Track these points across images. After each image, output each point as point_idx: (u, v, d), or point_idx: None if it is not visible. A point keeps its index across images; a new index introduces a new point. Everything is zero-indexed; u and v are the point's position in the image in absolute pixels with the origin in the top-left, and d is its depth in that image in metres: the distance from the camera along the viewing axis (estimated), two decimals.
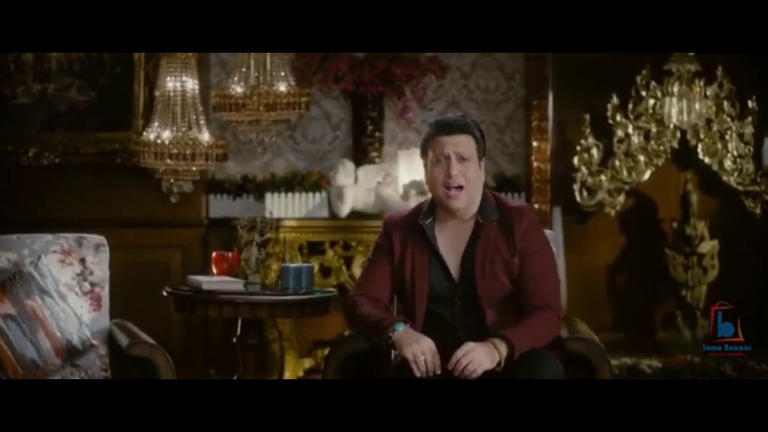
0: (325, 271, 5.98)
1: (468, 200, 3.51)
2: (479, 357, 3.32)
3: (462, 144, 3.49)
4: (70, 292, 4.00)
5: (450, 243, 3.56)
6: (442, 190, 3.49)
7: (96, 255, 4.07)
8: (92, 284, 4.04)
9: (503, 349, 3.36)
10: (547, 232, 3.93)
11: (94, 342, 3.94)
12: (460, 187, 3.48)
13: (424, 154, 3.57)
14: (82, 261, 4.04)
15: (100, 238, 4.10)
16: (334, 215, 6.06)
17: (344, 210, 5.99)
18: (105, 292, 4.06)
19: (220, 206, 6.30)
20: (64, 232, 4.09)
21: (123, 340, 3.81)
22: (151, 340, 3.77)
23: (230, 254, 4.58)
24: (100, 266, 4.06)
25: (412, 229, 3.58)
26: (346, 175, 6.01)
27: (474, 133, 3.54)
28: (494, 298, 3.51)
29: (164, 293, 4.42)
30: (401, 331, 3.41)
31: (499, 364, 3.36)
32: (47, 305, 3.84)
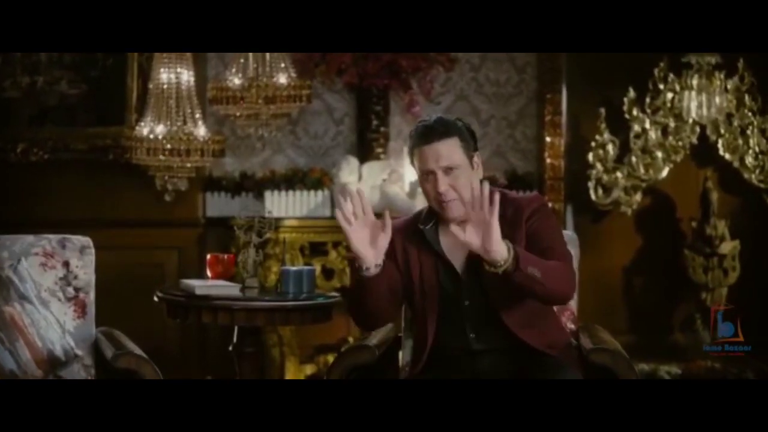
0: (328, 274, 5.89)
1: (464, 208, 3.31)
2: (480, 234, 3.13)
3: (445, 154, 3.30)
4: (53, 297, 3.84)
5: (455, 243, 3.36)
6: (435, 202, 3.35)
7: (81, 258, 3.91)
8: (76, 289, 3.89)
9: (506, 250, 3.14)
10: (566, 233, 3.82)
11: (78, 352, 3.80)
12: (453, 199, 3.32)
13: (412, 165, 3.43)
14: (66, 264, 3.89)
15: (86, 240, 3.95)
16: None
17: None
18: (90, 298, 3.91)
19: (217, 205, 6.21)
20: (52, 233, 3.96)
21: (108, 350, 3.64)
22: (138, 351, 3.59)
23: (226, 256, 4.38)
24: (85, 270, 3.91)
25: (414, 234, 3.44)
26: (350, 172, 5.95)
27: (457, 133, 3.34)
28: (507, 294, 3.31)
29: (155, 299, 4.19)
30: None
31: (495, 264, 3.14)
32: (27, 312, 3.70)
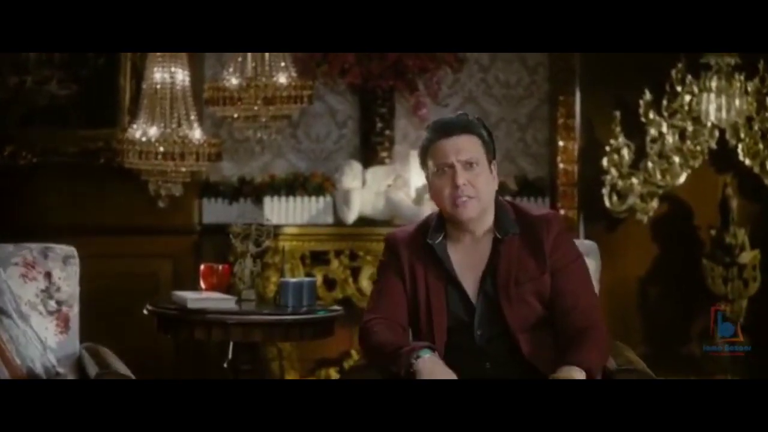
0: (330, 284, 5.79)
1: (480, 210, 3.16)
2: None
3: (466, 148, 3.15)
4: (33, 311, 3.67)
5: (466, 264, 3.20)
6: (449, 201, 3.14)
7: (64, 268, 3.75)
8: (59, 302, 3.73)
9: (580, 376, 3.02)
10: (586, 242, 3.76)
11: (60, 370, 3.58)
12: (470, 197, 3.14)
13: (423, 164, 3.23)
14: (48, 275, 3.73)
15: (69, 249, 3.79)
16: (339, 221, 5.90)
17: (351, 216, 5.81)
18: (74, 312, 3.75)
19: (214, 211, 6.10)
20: (40, 240, 3.83)
21: (92, 369, 3.46)
22: (123, 370, 3.40)
23: (221, 267, 4.29)
24: (68, 281, 3.74)
25: (420, 249, 3.23)
26: (353, 178, 5.85)
27: (479, 132, 3.19)
28: (526, 325, 3.14)
29: (145, 312, 4.06)
30: (427, 359, 3.03)
31: None
32: (5, 327, 3.47)
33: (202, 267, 4.28)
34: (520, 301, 3.13)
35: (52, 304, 3.71)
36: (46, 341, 3.62)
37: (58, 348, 3.66)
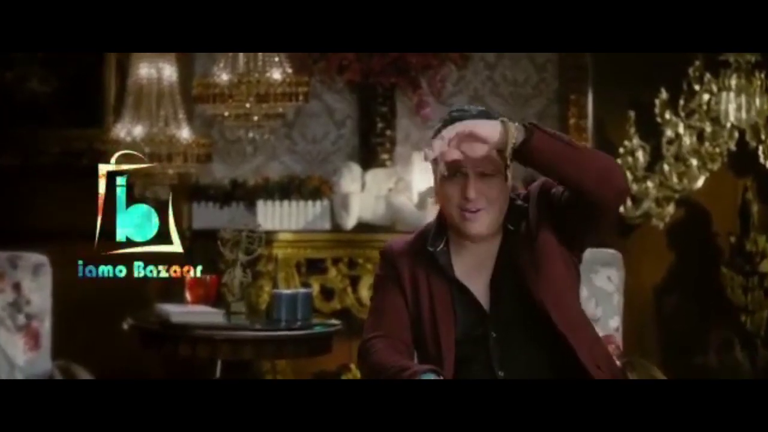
0: (327, 294, 5.66)
1: (490, 222, 2.90)
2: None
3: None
4: (1, 326, 3.67)
5: (473, 267, 2.95)
6: (457, 211, 2.89)
7: (34, 279, 3.70)
8: (29, 316, 3.71)
9: (515, 129, 2.70)
10: (609, 251, 3.73)
11: None
12: (480, 210, 2.89)
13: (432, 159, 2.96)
14: (16, 287, 3.72)
15: (41, 258, 3.73)
16: (337, 227, 5.81)
17: (349, 221, 5.73)
18: (45, 327, 3.69)
19: (204, 216, 5.98)
20: (20, 247, 3.86)
21: None
22: None
23: (208, 277, 4.12)
24: (39, 293, 3.69)
25: (421, 258, 2.98)
26: (352, 181, 5.77)
27: None
28: (570, 315, 2.87)
29: (124, 326, 4.00)
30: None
31: (506, 146, 2.69)
32: None
33: (187, 277, 4.06)
34: (558, 291, 2.87)
35: (21, 318, 3.65)
36: (15, 359, 3.60)
37: (27, 366, 3.61)
